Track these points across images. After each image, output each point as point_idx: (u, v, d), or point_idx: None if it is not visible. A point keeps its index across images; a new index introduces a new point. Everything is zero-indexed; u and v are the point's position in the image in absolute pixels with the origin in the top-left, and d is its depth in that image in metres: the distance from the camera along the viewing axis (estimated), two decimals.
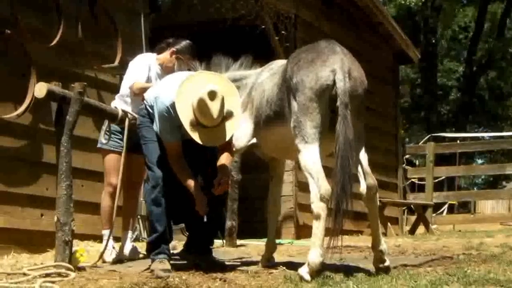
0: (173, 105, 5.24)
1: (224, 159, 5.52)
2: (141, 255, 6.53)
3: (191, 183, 5.34)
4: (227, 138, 5.30)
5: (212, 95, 5.10)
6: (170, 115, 5.29)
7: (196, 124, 5.15)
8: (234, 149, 5.71)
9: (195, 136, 5.16)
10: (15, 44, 7.19)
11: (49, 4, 7.61)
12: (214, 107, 5.11)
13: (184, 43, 6.49)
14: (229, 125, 5.25)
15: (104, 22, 8.29)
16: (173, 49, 6.49)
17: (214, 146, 5.48)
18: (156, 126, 5.44)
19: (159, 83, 5.92)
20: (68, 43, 7.69)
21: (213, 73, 5.58)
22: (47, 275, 5.06)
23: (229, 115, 5.22)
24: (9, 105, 7.12)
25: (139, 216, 8.02)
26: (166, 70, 6.47)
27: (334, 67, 4.93)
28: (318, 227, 4.81)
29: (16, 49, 7.20)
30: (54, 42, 7.47)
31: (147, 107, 5.61)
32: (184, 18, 10.80)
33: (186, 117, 5.15)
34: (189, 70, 6.14)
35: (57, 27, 7.56)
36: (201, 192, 5.34)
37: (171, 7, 10.54)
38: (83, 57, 7.94)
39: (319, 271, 4.82)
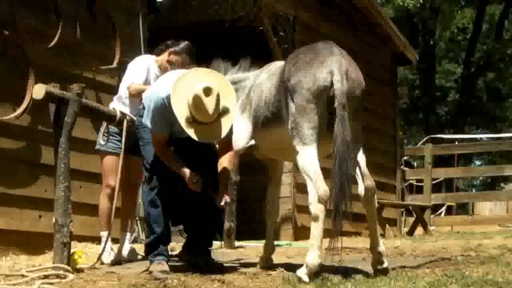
0: (168, 98, 5.23)
1: (226, 162, 5.50)
2: (139, 257, 6.53)
3: (181, 167, 5.32)
4: (223, 135, 5.29)
5: (208, 91, 5.09)
6: (164, 108, 5.28)
7: (191, 121, 5.14)
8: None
9: (191, 133, 5.15)
10: (13, 44, 7.18)
11: (47, 4, 7.61)
12: (209, 103, 5.10)
13: (183, 44, 6.50)
14: (224, 121, 5.24)
15: (102, 22, 8.29)
16: (171, 49, 6.50)
17: (211, 143, 5.49)
18: (145, 118, 5.43)
19: (157, 81, 5.93)
20: (67, 44, 7.69)
21: (209, 70, 5.58)
22: (46, 276, 5.06)
23: (225, 111, 5.21)
24: (8, 107, 7.12)
25: (137, 218, 8.02)
26: (165, 71, 6.48)
27: (332, 69, 4.93)
28: (316, 229, 4.81)
29: (14, 49, 7.20)
30: (53, 43, 7.47)
31: (145, 107, 5.60)
32: (183, 19, 10.80)
33: (181, 113, 5.14)
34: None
35: (56, 28, 7.55)
36: (189, 172, 5.30)
37: (170, 8, 10.54)
38: (82, 58, 7.94)
39: (317, 273, 4.82)
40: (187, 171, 5.32)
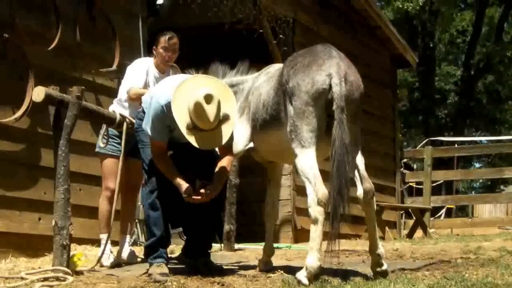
0: (167, 105, 5.22)
1: (225, 162, 5.49)
2: (139, 259, 6.53)
3: (176, 178, 5.30)
4: (224, 142, 5.28)
5: (208, 98, 5.08)
6: (164, 115, 5.27)
7: (192, 128, 5.14)
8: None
9: (192, 140, 5.15)
10: (13, 46, 7.18)
11: (47, 6, 7.61)
12: (210, 111, 5.09)
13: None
14: (225, 128, 5.24)
15: (102, 25, 8.30)
16: (153, 47, 6.59)
17: (211, 149, 5.48)
18: (145, 123, 5.43)
19: (157, 85, 5.94)
20: (66, 46, 7.70)
21: (209, 76, 5.58)
22: (45, 279, 5.07)
23: (226, 118, 5.20)
24: (7, 109, 7.12)
25: (137, 220, 8.02)
26: (162, 67, 6.54)
27: (330, 71, 4.94)
28: (315, 231, 4.81)
29: (14, 51, 7.20)
30: (53, 45, 7.47)
31: (145, 110, 5.61)
32: (182, 22, 10.79)
33: (182, 120, 5.14)
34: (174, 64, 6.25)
35: (55, 30, 7.56)
36: (184, 184, 5.27)
37: (169, 11, 10.54)
38: (81, 60, 7.95)
39: (317, 275, 4.82)
40: (182, 183, 5.28)
